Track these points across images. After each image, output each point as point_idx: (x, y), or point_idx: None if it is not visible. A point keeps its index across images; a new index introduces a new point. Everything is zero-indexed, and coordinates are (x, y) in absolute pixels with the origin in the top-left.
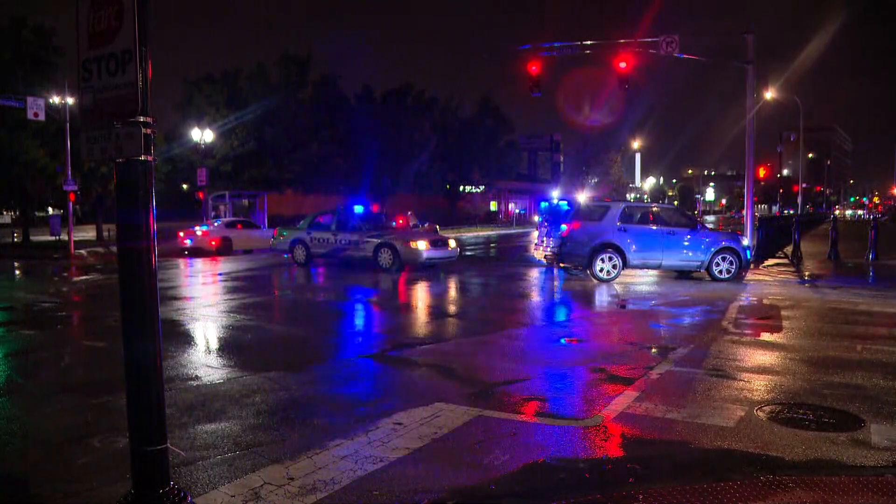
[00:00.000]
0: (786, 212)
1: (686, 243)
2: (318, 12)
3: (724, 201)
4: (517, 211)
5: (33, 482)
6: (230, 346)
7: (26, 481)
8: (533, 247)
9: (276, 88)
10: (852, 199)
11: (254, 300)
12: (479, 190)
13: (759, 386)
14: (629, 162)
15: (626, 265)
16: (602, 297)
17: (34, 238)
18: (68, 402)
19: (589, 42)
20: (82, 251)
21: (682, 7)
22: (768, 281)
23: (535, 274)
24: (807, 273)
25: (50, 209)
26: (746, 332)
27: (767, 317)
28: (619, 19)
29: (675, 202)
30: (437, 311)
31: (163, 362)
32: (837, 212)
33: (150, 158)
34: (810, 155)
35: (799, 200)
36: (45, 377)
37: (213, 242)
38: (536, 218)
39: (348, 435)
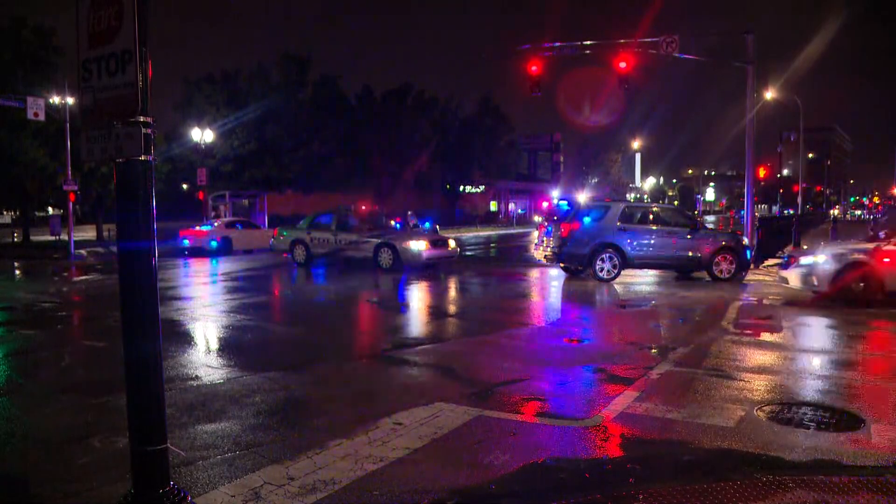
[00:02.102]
0: (786, 212)
1: (686, 243)
2: (318, 12)
3: (724, 201)
4: (517, 211)
5: (33, 482)
6: (230, 346)
7: (26, 481)
8: (533, 247)
9: (276, 88)
10: (852, 199)
11: (254, 300)
12: (479, 190)
13: (759, 386)
14: (629, 162)
15: (626, 265)
16: (602, 297)
17: (34, 238)
18: (68, 402)
19: (589, 42)
20: (82, 251)
21: (682, 7)
22: (768, 281)
23: (535, 274)
24: None
25: (50, 209)
26: (746, 332)
27: (767, 317)
28: (619, 19)
29: (675, 202)
30: (437, 311)
31: (163, 362)
32: (835, 212)
33: (150, 158)
34: (810, 155)
35: (799, 200)
36: (45, 377)
37: (213, 242)
38: (536, 218)
39: (348, 435)
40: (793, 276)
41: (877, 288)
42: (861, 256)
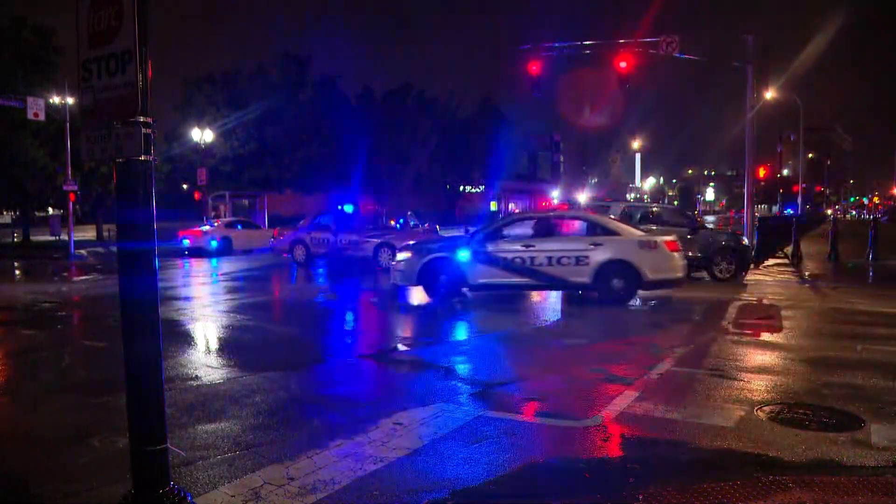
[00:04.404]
0: (786, 212)
1: (686, 243)
2: (318, 12)
3: (724, 201)
4: (517, 211)
5: (33, 482)
6: (230, 346)
7: (26, 481)
8: None
9: (276, 88)
10: (852, 199)
11: (254, 300)
12: (479, 190)
13: (759, 386)
14: (629, 162)
15: None
16: None
17: (34, 238)
18: (68, 402)
19: (589, 42)
20: (82, 251)
21: (682, 7)
22: (768, 281)
23: None
24: (806, 273)
25: (50, 209)
26: (746, 332)
27: (767, 317)
28: (619, 20)
29: (675, 202)
30: (437, 310)
31: (163, 362)
32: (829, 212)
33: (150, 158)
34: (810, 155)
35: (799, 200)
36: (45, 377)
37: (213, 242)
38: None
39: (348, 435)
40: (394, 273)
41: (459, 281)
42: (442, 253)
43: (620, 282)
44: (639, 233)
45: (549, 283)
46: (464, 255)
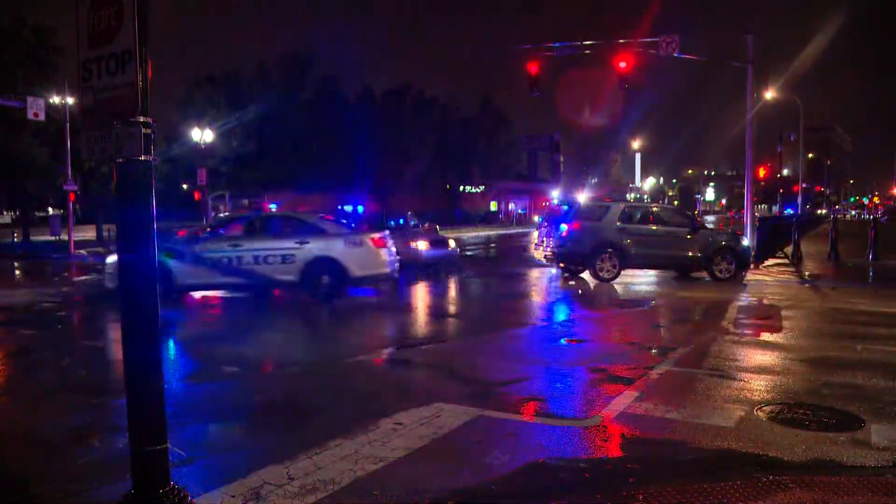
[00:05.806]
0: (786, 212)
1: (686, 243)
2: (318, 12)
3: (723, 201)
4: (517, 211)
5: (33, 482)
6: (229, 346)
7: (26, 481)
8: (533, 247)
9: (276, 88)
10: (852, 199)
11: (253, 299)
12: (479, 190)
13: (759, 386)
14: (629, 162)
15: (625, 265)
16: (602, 297)
17: (34, 238)
18: (68, 402)
19: (589, 42)
20: (82, 251)
21: (682, 7)
22: (768, 281)
23: (535, 274)
24: (807, 273)
25: (50, 209)
26: (746, 332)
27: (767, 317)
28: (619, 20)
29: (675, 202)
30: (437, 311)
31: (163, 362)
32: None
33: (150, 158)
34: (810, 155)
35: (799, 200)
36: (45, 377)
37: None
38: (536, 218)
39: (348, 435)
40: (105, 276)
41: (166, 283)
42: None
43: (328, 279)
44: (345, 231)
45: (258, 282)
46: (172, 256)
